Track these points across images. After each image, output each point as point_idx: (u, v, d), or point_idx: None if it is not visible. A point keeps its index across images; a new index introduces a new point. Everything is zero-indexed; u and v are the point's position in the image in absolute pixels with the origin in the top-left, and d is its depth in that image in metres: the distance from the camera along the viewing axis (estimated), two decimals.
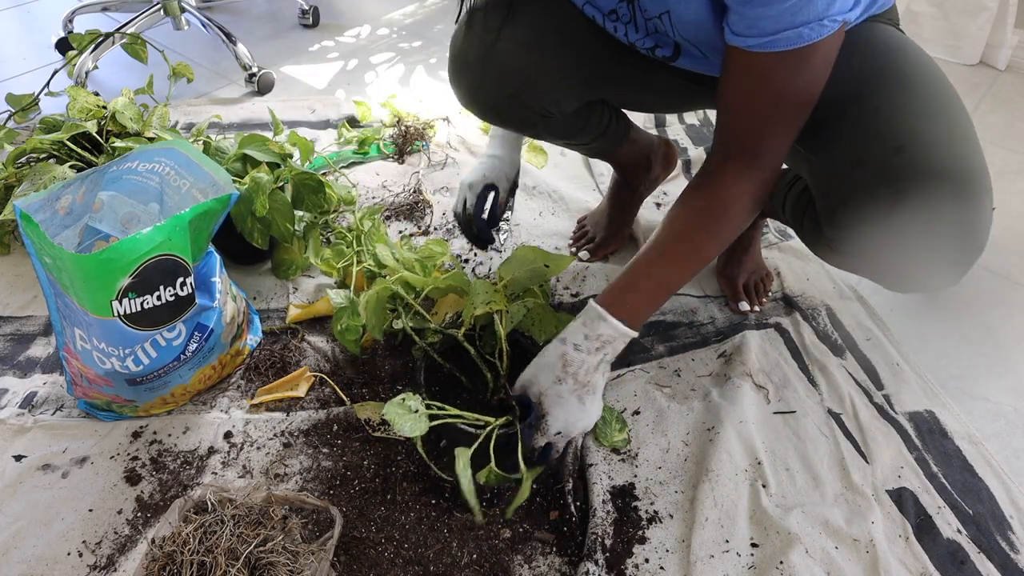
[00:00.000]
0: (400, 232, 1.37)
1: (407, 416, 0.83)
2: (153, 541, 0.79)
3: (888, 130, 0.77)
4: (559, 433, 0.85)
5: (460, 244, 1.34)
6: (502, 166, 1.18)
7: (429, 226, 1.38)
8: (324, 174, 1.45)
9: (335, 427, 1.00)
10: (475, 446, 0.85)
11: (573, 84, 0.99)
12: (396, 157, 1.57)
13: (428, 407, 0.86)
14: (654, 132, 1.64)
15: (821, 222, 0.85)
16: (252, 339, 1.12)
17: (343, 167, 1.51)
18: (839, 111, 0.79)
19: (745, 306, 1.20)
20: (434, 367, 0.99)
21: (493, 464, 0.85)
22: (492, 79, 0.98)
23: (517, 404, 0.88)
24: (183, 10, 1.86)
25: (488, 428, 0.87)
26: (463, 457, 0.82)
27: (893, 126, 0.78)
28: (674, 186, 1.48)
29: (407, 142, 1.58)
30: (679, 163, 1.53)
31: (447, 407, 0.88)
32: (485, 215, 1.16)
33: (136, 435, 0.99)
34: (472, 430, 0.87)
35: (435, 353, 0.98)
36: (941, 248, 0.80)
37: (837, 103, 0.79)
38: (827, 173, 0.82)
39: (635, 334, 0.84)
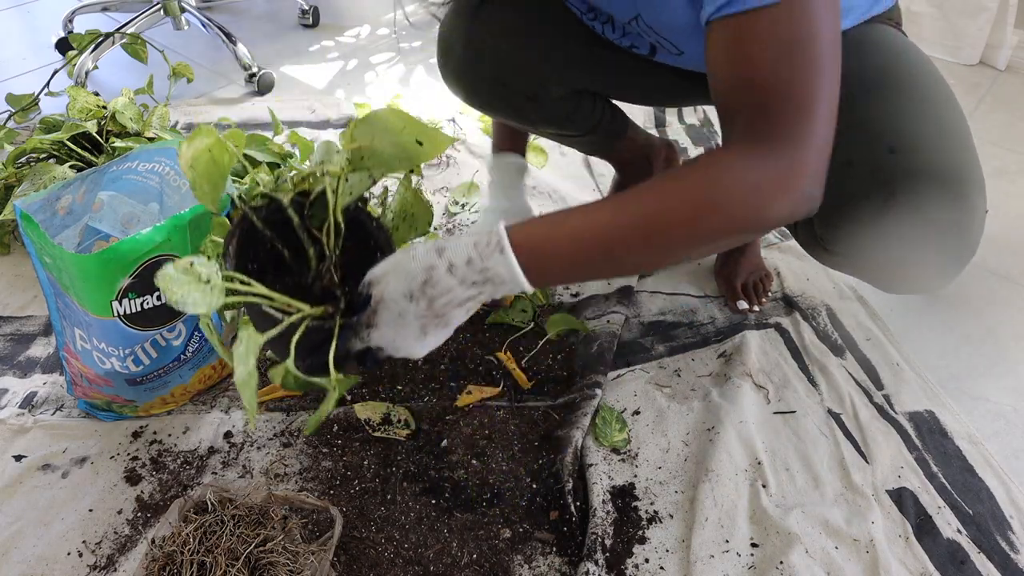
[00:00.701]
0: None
1: (195, 286, 0.59)
2: (153, 541, 0.79)
3: (882, 131, 0.77)
4: (381, 349, 0.68)
5: None
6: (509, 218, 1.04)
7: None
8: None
9: (335, 427, 1.00)
10: (272, 332, 0.64)
11: (556, 66, 1.00)
12: None
13: (230, 280, 0.63)
14: (654, 132, 1.65)
15: (814, 222, 0.85)
16: None
17: None
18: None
19: (744, 305, 1.20)
20: (253, 236, 0.73)
21: (291, 360, 0.64)
22: (474, 62, 0.99)
23: (345, 296, 0.70)
24: (183, 10, 1.86)
25: (297, 316, 0.65)
26: (249, 342, 0.62)
27: (887, 127, 0.78)
28: None
29: None
30: (680, 164, 1.53)
31: (253, 283, 0.65)
32: None
33: (136, 435, 0.99)
34: (279, 315, 0.65)
35: (257, 217, 0.73)
36: (933, 250, 0.79)
37: None
38: None
39: (529, 289, 0.65)
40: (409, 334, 0.66)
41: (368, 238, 0.75)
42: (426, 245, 0.66)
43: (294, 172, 0.77)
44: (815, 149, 0.63)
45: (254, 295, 0.64)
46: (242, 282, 0.63)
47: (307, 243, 0.73)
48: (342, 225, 0.73)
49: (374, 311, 0.66)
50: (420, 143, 0.69)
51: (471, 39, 0.98)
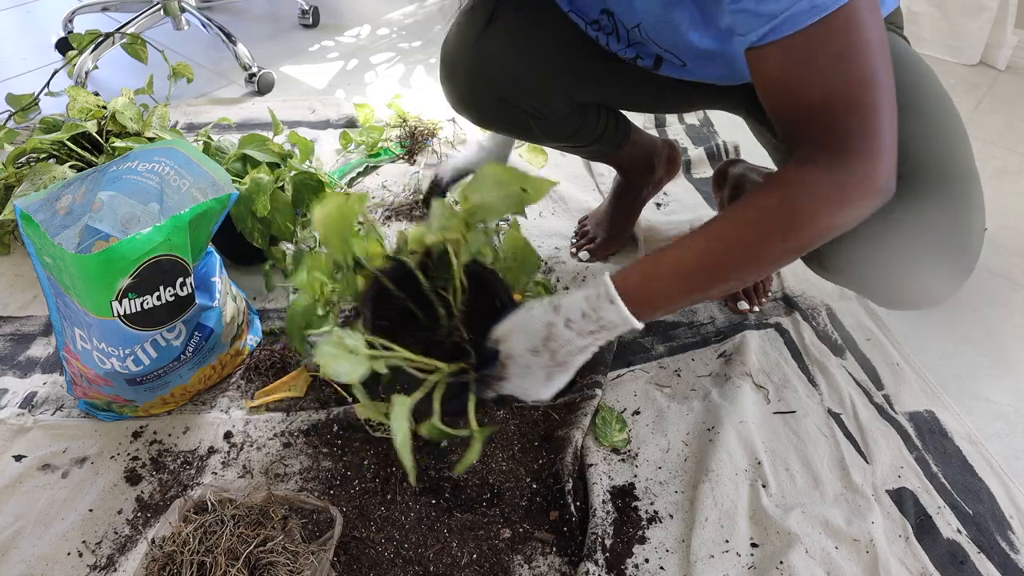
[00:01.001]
0: (400, 232, 1.37)
1: (343, 356, 0.68)
2: (153, 541, 0.79)
3: None
4: (511, 395, 0.76)
5: None
6: (488, 158, 1.18)
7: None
8: (348, 182, 1.48)
9: (335, 427, 1.00)
10: (418, 394, 0.72)
11: (561, 84, 1.00)
12: (406, 157, 1.57)
13: (371, 346, 0.72)
14: (654, 133, 1.65)
15: None
16: (252, 339, 1.12)
17: (359, 172, 1.51)
18: None
19: (744, 305, 1.20)
20: (384, 296, 0.82)
21: (437, 417, 0.72)
22: (479, 81, 0.99)
23: (476, 351, 0.76)
24: (183, 10, 1.86)
25: (435, 374, 0.74)
26: (402, 406, 0.70)
27: None
28: (676, 187, 1.48)
29: (416, 143, 1.58)
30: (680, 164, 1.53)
31: (394, 346, 0.73)
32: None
33: (136, 435, 0.99)
34: (419, 375, 0.73)
35: (387, 278, 0.82)
36: (931, 265, 0.79)
37: None
38: None
39: (640, 327, 0.71)
40: (536, 382, 0.73)
41: (487, 287, 0.83)
42: (542, 304, 0.73)
43: (414, 231, 0.85)
44: (885, 149, 0.65)
45: (396, 358, 0.72)
46: (384, 346, 0.72)
47: (436, 303, 0.82)
48: (466, 284, 0.81)
49: (504, 366, 0.73)
50: (525, 190, 0.78)
51: (476, 60, 0.97)
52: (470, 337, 0.79)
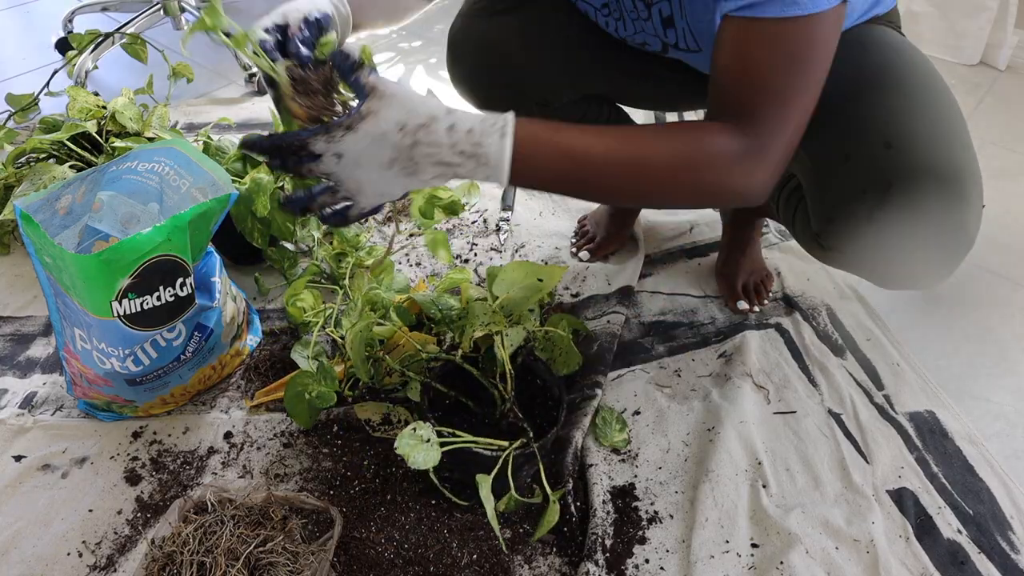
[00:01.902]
0: (400, 232, 1.37)
1: (420, 446, 0.80)
2: (153, 541, 0.79)
3: (878, 126, 0.78)
4: (331, 174, 0.66)
5: (459, 244, 1.34)
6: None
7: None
8: None
9: (335, 427, 1.00)
10: (495, 471, 0.83)
11: (570, 71, 1.00)
12: None
13: (439, 434, 0.83)
14: None
15: (811, 217, 0.85)
16: (252, 339, 1.12)
17: None
18: (831, 107, 0.80)
19: (745, 306, 1.20)
20: (436, 394, 0.95)
21: (513, 490, 0.85)
22: (487, 67, 0.99)
23: (529, 427, 0.85)
24: (183, 10, 1.86)
25: (505, 453, 0.85)
26: (486, 485, 0.80)
27: (884, 122, 0.78)
28: None
29: None
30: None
31: (458, 432, 0.85)
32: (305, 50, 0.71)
33: (136, 435, 0.99)
34: (487, 453, 0.85)
35: (436, 381, 0.94)
36: (930, 244, 0.80)
37: (830, 99, 0.79)
38: (817, 167, 0.82)
39: (505, 182, 0.68)
40: (375, 158, 0.65)
41: (531, 374, 0.96)
42: (440, 99, 0.68)
43: (458, 334, 0.97)
44: (784, 145, 0.71)
45: (463, 442, 0.83)
46: (450, 434, 0.83)
47: (491, 388, 0.92)
48: (513, 372, 0.91)
49: (362, 117, 0.65)
50: (540, 279, 0.89)
51: (485, 45, 0.98)
52: (523, 416, 0.89)
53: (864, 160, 0.77)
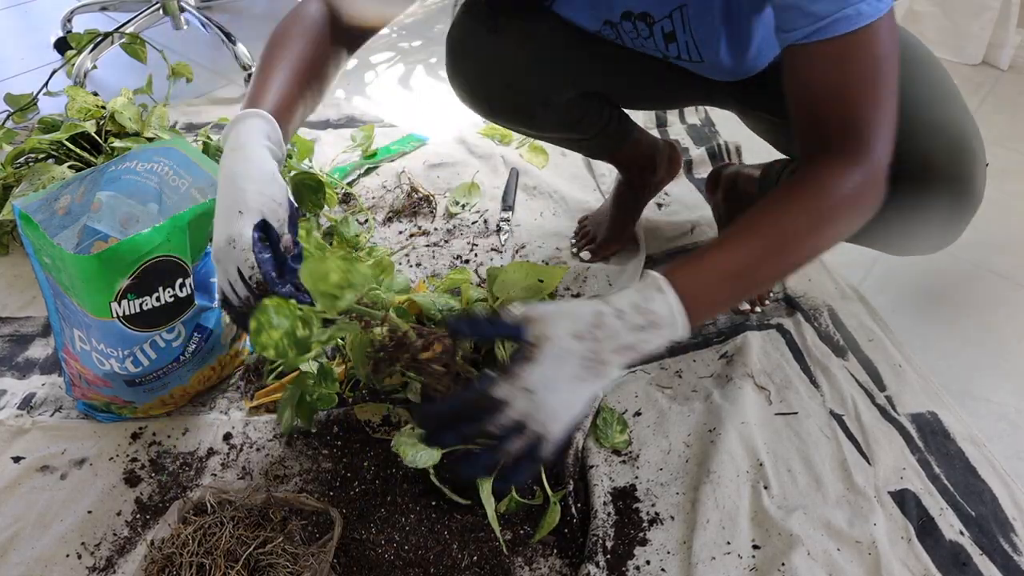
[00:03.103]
0: (400, 233, 1.37)
1: (419, 446, 0.81)
2: (152, 543, 0.79)
3: None
4: (524, 414, 0.62)
5: (460, 245, 1.34)
6: (268, 194, 0.77)
7: (432, 226, 1.38)
8: (350, 183, 1.47)
9: (335, 428, 1.00)
10: (495, 472, 0.78)
11: (571, 71, 1.00)
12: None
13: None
14: (656, 133, 1.64)
15: None
16: None
17: (361, 174, 1.51)
18: None
19: (746, 306, 1.19)
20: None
21: (514, 492, 0.85)
22: (489, 69, 0.99)
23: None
24: (182, 10, 1.86)
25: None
26: (486, 486, 0.80)
27: None
28: (678, 188, 1.47)
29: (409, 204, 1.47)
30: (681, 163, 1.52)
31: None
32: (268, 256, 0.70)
33: (135, 436, 0.99)
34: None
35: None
36: (940, 204, 0.80)
37: None
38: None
39: (687, 328, 0.66)
40: (565, 376, 0.63)
41: None
42: (585, 299, 0.68)
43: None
44: (890, 147, 0.70)
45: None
46: None
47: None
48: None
49: (534, 346, 0.62)
50: (541, 280, 0.90)
51: (486, 48, 0.98)
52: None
53: None
